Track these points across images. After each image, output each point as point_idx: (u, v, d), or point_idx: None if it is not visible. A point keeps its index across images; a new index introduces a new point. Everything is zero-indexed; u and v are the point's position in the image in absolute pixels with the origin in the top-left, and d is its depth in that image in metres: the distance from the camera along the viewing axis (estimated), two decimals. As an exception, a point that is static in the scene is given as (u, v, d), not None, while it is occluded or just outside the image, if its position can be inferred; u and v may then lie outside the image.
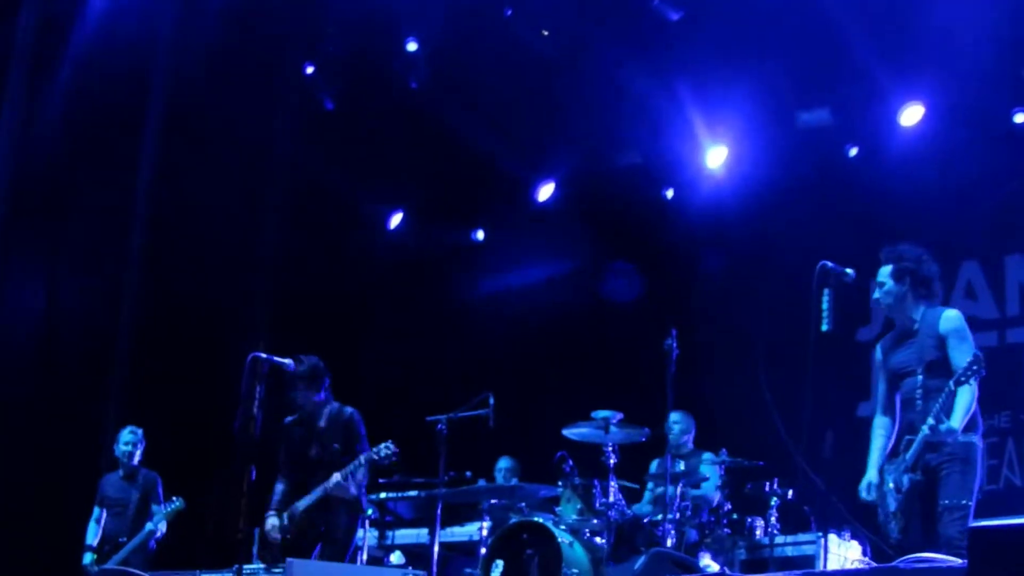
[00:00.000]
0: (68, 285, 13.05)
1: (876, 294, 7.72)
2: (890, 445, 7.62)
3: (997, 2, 10.38)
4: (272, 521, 8.77)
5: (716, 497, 10.09)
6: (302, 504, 8.78)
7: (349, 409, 9.08)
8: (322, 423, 8.99)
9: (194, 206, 13.45)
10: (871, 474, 7.57)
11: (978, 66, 11.31)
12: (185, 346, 13.04)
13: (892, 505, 7.37)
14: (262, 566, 8.66)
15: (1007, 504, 9.91)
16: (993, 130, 11.69)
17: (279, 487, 8.96)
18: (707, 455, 10.39)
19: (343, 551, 8.81)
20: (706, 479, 10.08)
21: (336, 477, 8.64)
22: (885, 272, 7.67)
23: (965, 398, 7.18)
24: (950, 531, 7.01)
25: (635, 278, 13.62)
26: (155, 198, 13.48)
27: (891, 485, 7.40)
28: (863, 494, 7.59)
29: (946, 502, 7.18)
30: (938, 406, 7.14)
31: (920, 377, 7.38)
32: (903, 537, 7.21)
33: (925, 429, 7.18)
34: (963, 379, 7.11)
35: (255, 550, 8.93)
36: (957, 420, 7.16)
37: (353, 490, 8.80)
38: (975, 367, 7.10)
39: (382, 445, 8.71)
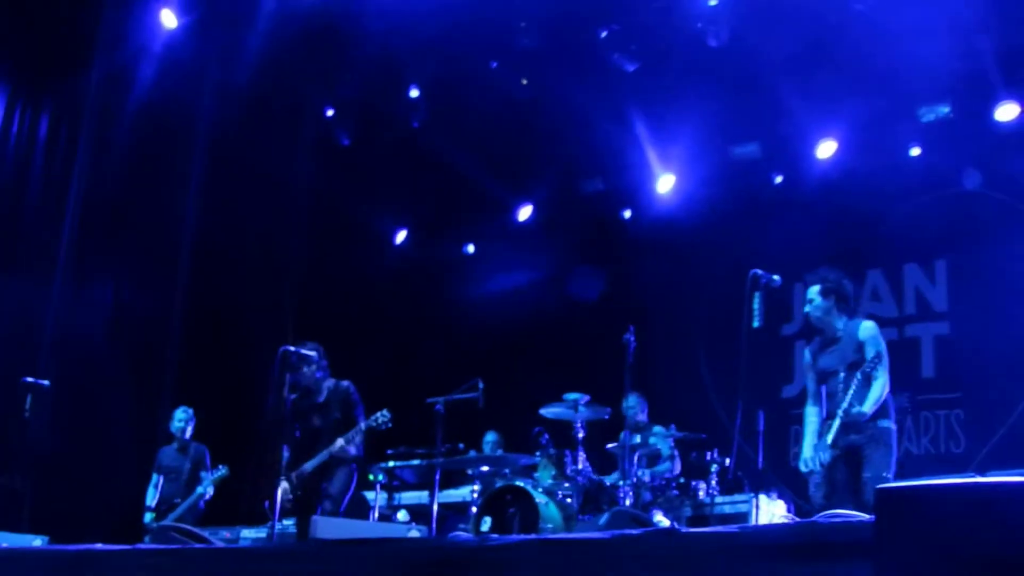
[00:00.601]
0: (131, 288, 13.03)
1: (807, 308, 7.91)
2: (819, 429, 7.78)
3: (897, 56, 10.41)
4: (284, 485, 8.52)
5: (676, 468, 10.11)
6: (309, 465, 8.61)
7: (345, 383, 8.91)
8: (323, 397, 8.82)
9: (233, 225, 13.48)
10: (807, 452, 7.68)
11: (881, 109, 11.38)
12: (226, 341, 13.02)
13: (819, 477, 7.52)
14: (291, 522, 8.63)
15: (907, 469, 9.90)
16: (893, 161, 11.74)
17: (286, 454, 8.70)
18: (658, 428, 10.39)
19: (339, 503, 8.60)
20: (658, 451, 10.05)
21: (340, 442, 8.51)
22: (814, 291, 7.87)
23: (876, 388, 7.42)
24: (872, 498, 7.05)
25: (599, 283, 13.63)
26: (202, 218, 13.47)
27: (818, 462, 7.52)
28: (802, 467, 7.70)
29: (868, 475, 7.30)
30: (851, 394, 7.32)
31: (842, 375, 7.53)
32: (826, 502, 7.30)
33: (839, 413, 7.35)
34: (867, 369, 7.34)
35: (276, 507, 8.71)
36: (867, 405, 7.36)
37: (352, 451, 8.66)
38: (875, 360, 7.36)
39: (379, 413, 8.56)
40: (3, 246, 11.84)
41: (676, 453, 10.30)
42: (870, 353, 7.50)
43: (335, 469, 8.63)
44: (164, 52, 12.46)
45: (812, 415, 7.85)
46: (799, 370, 12.30)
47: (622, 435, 10.55)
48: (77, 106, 12.56)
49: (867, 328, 7.73)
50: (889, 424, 7.56)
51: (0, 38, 11.88)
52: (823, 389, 7.76)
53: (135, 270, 13.05)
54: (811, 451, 7.65)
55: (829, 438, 7.43)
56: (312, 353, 8.64)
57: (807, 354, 8.06)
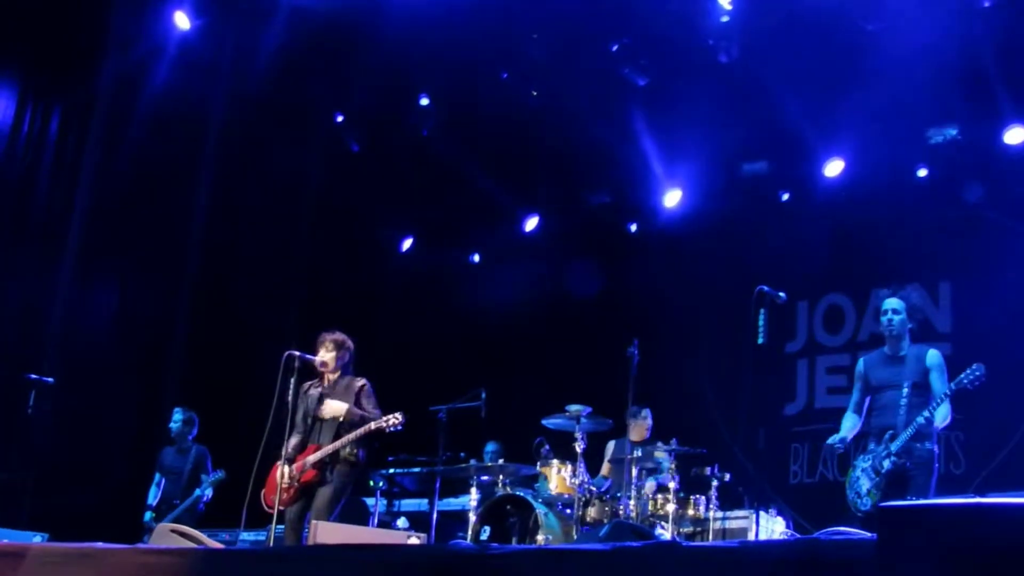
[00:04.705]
0: (137, 289, 13.04)
1: (889, 316, 7.98)
2: (852, 436, 7.96)
3: (906, 79, 10.43)
4: (284, 469, 8.12)
5: (671, 481, 10.10)
6: (312, 459, 8.17)
7: (362, 380, 8.49)
8: (333, 388, 8.40)
9: (240, 228, 13.51)
10: (842, 434, 7.90)
11: (889, 130, 11.40)
12: (231, 344, 13.02)
13: (867, 484, 7.64)
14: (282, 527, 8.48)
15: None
16: (900, 182, 11.75)
17: (293, 440, 8.29)
18: (660, 444, 10.38)
19: (334, 504, 8.11)
20: (659, 465, 10.00)
21: (345, 440, 8.09)
22: (900, 305, 8.00)
23: (945, 409, 7.61)
24: None
25: (603, 295, 13.64)
26: (209, 220, 13.48)
27: (866, 466, 7.69)
28: (837, 445, 7.88)
29: (911, 498, 7.30)
30: (934, 405, 7.54)
31: (906, 390, 7.69)
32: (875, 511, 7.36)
33: (921, 419, 7.50)
34: (964, 381, 7.44)
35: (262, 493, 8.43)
36: (938, 420, 7.58)
37: (359, 452, 8.20)
38: (977, 372, 7.43)
39: (391, 415, 8.10)
40: (11, 244, 11.87)
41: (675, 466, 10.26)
42: (938, 382, 7.69)
43: (339, 467, 8.21)
44: (176, 53, 12.49)
45: (849, 420, 8.04)
46: (801, 388, 12.33)
47: (611, 444, 10.59)
48: (87, 106, 12.56)
49: (935, 355, 7.90)
50: (936, 447, 7.72)
51: (10, 37, 11.90)
52: (867, 402, 7.97)
53: (141, 271, 13.06)
54: (844, 436, 7.90)
55: (895, 446, 7.58)
56: (317, 358, 8.43)
57: (861, 364, 8.19)
